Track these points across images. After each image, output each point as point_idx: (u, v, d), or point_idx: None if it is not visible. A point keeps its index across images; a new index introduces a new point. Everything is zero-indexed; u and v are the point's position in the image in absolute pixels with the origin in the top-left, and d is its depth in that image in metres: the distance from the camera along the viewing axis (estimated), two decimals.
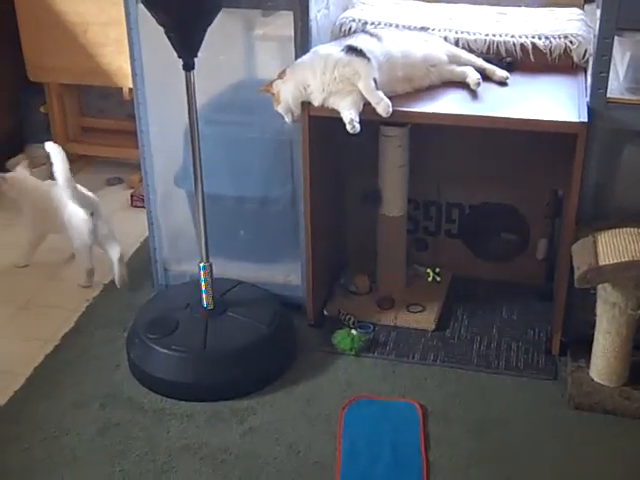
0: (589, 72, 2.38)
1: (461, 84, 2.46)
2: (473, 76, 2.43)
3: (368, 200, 2.70)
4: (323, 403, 2.32)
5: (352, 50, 2.29)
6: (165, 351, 2.35)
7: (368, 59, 2.27)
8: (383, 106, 2.24)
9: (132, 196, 3.50)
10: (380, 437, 2.21)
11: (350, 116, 2.23)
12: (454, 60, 2.50)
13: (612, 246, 2.20)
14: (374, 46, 2.34)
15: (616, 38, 2.19)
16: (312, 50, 2.37)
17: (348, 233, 2.93)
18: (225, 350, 2.37)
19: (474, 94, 2.42)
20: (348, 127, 2.24)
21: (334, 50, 2.31)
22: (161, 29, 2.19)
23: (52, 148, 2.78)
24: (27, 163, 3.13)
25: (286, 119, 2.37)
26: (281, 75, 2.35)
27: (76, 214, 2.85)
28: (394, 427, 2.24)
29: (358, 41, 2.35)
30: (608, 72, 2.20)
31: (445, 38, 2.60)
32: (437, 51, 2.48)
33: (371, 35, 2.42)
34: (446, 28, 2.64)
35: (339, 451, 2.15)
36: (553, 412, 2.29)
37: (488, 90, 2.44)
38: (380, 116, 2.27)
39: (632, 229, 2.25)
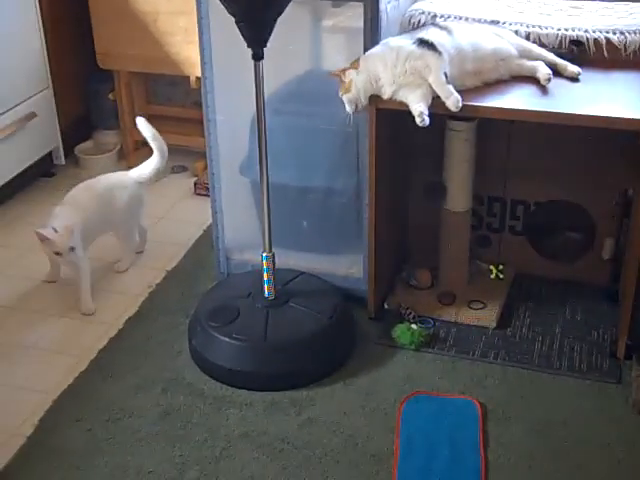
0: None
1: (531, 79, 2.42)
2: (544, 71, 2.39)
3: (432, 194, 2.68)
4: (381, 397, 2.32)
5: (424, 43, 2.27)
6: (226, 339, 2.38)
7: (439, 53, 2.26)
8: (453, 100, 2.22)
9: (195, 184, 3.53)
10: (438, 433, 2.20)
11: (420, 109, 2.22)
12: (524, 54, 2.46)
13: None
14: (445, 39, 2.32)
15: None
16: (382, 42, 2.36)
17: (411, 227, 2.92)
18: (285, 340, 2.38)
19: (544, 89, 2.38)
20: (417, 120, 2.22)
21: (405, 43, 2.29)
22: (231, 18, 2.20)
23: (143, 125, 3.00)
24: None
25: (347, 108, 2.35)
26: (354, 65, 2.33)
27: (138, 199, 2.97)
28: (453, 424, 2.23)
29: (429, 34, 2.33)
30: None
31: (516, 32, 2.56)
32: (507, 45, 2.44)
33: (441, 28, 2.40)
34: (517, 22, 2.61)
35: (396, 445, 2.14)
36: (616, 416, 2.24)
37: (559, 86, 2.39)
38: (449, 110, 2.25)
39: None
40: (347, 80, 2.32)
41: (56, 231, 2.65)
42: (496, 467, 2.09)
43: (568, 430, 2.21)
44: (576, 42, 2.50)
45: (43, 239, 2.64)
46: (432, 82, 2.24)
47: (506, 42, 2.45)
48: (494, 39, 2.44)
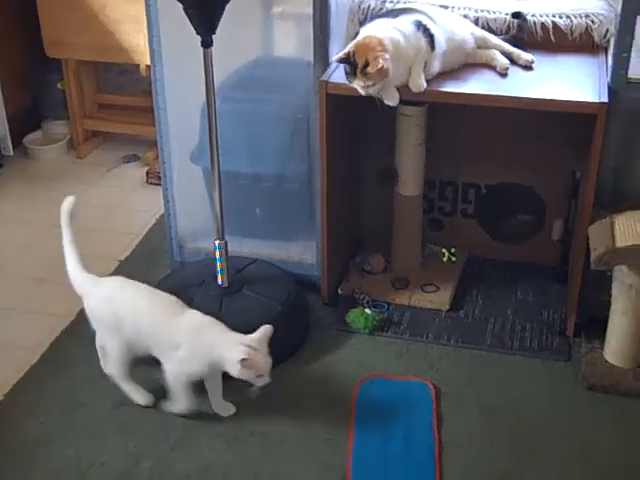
0: (610, 52, 2.36)
1: (485, 66, 2.45)
2: (502, 61, 2.42)
3: (384, 179, 2.69)
4: (336, 381, 2.33)
5: (425, 31, 2.31)
6: None
7: (433, 48, 2.31)
8: (419, 83, 2.26)
9: (148, 173, 3.51)
10: (393, 416, 2.21)
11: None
12: (481, 43, 2.48)
13: (630, 228, 2.19)
14: (439, 33, 2.34)
15: (638, 17, 2.16)
16: (370, 25, 2.32)
17: (364, 212, 2.93)
18: (239, 328, 2.35)
19: (497, 75, 2.40)
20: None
21: (403, 25, 2.29)
22: (180, 5, 2.18)
23: None
24: None
25: (361, 91, 2.25)
26: (384, 47, 2.20)
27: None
28: (407, 406, 2.25)
29: (428, 24, 2.34)
30: (630, 52, 2.19)
31: (465, 16, 2.58)
32: (468, 34, 2.46)
33: (428, 17, 2.38)
34: (466, 6, 2.62)
35: (352, 429, 2.15)
36: (566, 393, 2.29)
37: (510, 71, 2.41)
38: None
39: None
40: (385, 67, 2.18)
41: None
42: (450, 448, 2.12)
43: (520, 408, 2.24)
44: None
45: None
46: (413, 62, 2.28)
47: (466, 31, 2.47)
48: (460, 28, 2.46)
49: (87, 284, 2.28)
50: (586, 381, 2.30)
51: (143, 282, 2.72)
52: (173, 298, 2.24)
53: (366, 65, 2.19)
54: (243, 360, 2.04)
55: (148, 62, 2.66)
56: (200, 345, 2.13)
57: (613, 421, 2.20)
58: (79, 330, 2.56)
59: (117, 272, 2.86)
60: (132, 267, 2.89)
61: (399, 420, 2.20)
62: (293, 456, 2.10)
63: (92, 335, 2.52)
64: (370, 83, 2.22)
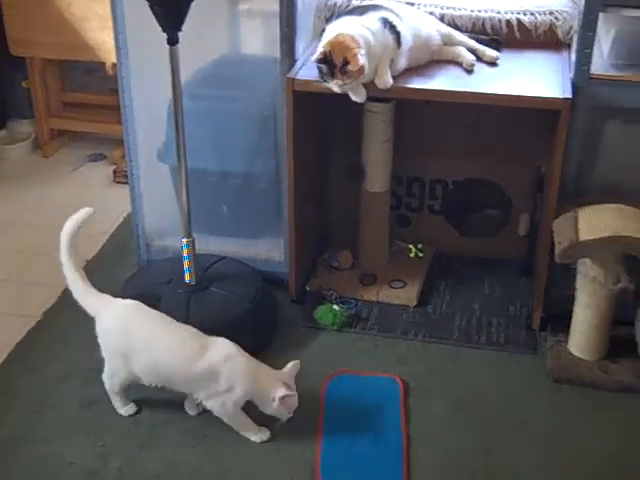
0: (573, 48, 2.39)
1: (451, 62, 2.47)
2: (468, 57, 2.44)
3: (352, 176, 2.70)
4: (304, 378, 2.31)
5: (392, 28, 2.32)
6: None
7: (399, 45, 2.32)
8: (385, 80, 2.27)
9: (115, 172, 3.49)
10: (361, 411, 2.22)
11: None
12: (447, 40, 2.50)
13: (593, 222, 2.22)
14: (405, 30, 2.35)
15: (601, 14, 2.19)
16: (336, 23, 2.32)
17: (331, 209, 2.94)
18: (207, 325, 2.34)
19: (462, 72, 2.42)
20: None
21: (371, 23, 2.30)
22: (145, 2, 2.17)
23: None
24: None
25: (336, 89, 2.25)
26: (358, 44, 2.20)
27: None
28: (375, 401, 2.26)
29: (395, 21, 2.34)
30: (592, 48, 2.21)
31: (431, 13, 2.59)
32: (434, 30, 2.48)
33: (394, 14, 2.39)
34: (432, 4, 2.64)
35: (320, 425, 2.16)
36: (533, 385, 2.32)
37: (475, 67, 2.43)
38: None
39: (613, 205, 2.27)
40: (362, 64, 2.19)
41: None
42: (418, 442, 2.13)
43: (488, 402, 2.26)
44: (495, 41, 2.55)
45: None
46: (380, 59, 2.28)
47: (432, 28, 2.49)
48: (426, 25, 2.48)
49: (100, 303, 2.21)
50: (552, 374, 2.33)
51: (110, 281, 2.74)
52: (194, 329, 2.17)
53: (345, 64, 2.19)
54: (283, 398, 2.04)
55: (114, 60, 2.65)
56: (238, 372, 2.08)
57: (579, 412, 2.23)
58: (47, 330, 2.55)
59: (84, 271, 2.83)
60: (99, 266, 2.87)
61: (367, 415, 2.21)
62: (261, 453, 2.10)
63: (60, 334, 2.52)
64: (349, 82, 2.22)
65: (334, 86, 2.24)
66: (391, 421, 2.19)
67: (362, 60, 2.18)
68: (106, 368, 2.19)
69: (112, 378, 2.19)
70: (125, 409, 2.21)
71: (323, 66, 2.23)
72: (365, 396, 2.27)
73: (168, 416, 2.20)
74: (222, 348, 2.11)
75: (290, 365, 2.12)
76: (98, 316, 2.20)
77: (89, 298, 2.22)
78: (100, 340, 2.19)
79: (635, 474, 2.05)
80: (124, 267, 2.82)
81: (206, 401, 2.10)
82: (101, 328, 2.19)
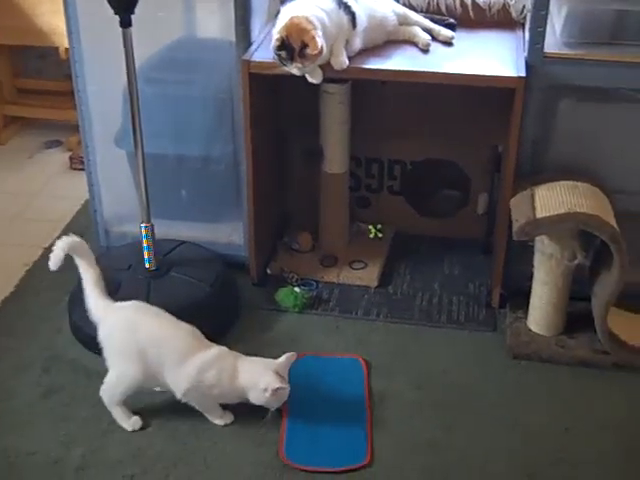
0: (527, 28, 2.40)
1: (407, 42, 2.47)
2: (424, 37, 2.45)
3: (310, 157, 2.70)
4: None
5: (347, 8, 2.32)
6: None
7: (354, 25, 2.33)
8: (341, 61, 2.27)
9: (71, 158, 3.45)
10: (325, 392, 2.24)
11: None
12: (403, 20, 2.50)
13: (549, 199, 2.25)
14: (359, 12, 2.36)
15: None
16: (303, 4, 2.29)
17: (291, 191, 2.93)
18: (168, 310, 2.33)
19: (417, 52, 2.43)
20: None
21: (326, 4, 2.30)
22: None
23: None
24: None
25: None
26: (314, 25, 2.20)
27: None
28: (339, 382, 2.27)
29: (349, 2, 2.35)
30: (545, 27, 2.23)
31: None
32: (389, 11, 2.48)
33: None
34: None
35: (284, 406, 2.16)
36: (492, 362, 2.35)
37: (430, 47, 2.44)
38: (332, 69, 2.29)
39: (568, 182, 2.30)
40: (320, 46, 2.18)
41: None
42: (382, 421, 2.14)
43: (449, 379, 2.29)
44: (450, 25, 2.55)
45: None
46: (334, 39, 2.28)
47: (388, 8, 2.49)
48: (381, 5, 2.48)
49: (103, 310, 2.16)
50: (511, 350, 2.36)
51: (68, 268, 2.70)
52: (195, 329, 2.15)
53: (303, 47, 2.19)
54: (276, 390, 2.03)
55: (67, 44, 2.61)
56: (226, 370, 2.08)
57: (538, 388, 2.26)
58: (4, 319, 2.51)
59: (41, 260, 2.81)
60: None
61: (331, 395, 2.22)
62: (225, 436, 2.10)
63: (18, 323, 2.49)
64: (308, 64, 2.22)
65: (294, 69, 2.24)
66: (355, 400, 2.20)
67: (320, 41, 2.18)
68: (109, 378, 2.12)
69: (116, 387, 2.11)
70: (131, 422, 2.12)
71: (282, 52, 2.22)
72: (328, 377, 2.29)
73: (130, 401, 2.18)
74: (219, 350, 2.12)
75: (284, 356, 2.11)
76: (102, 321, 2.14)
77: (97, 301, 2.17)
78: (105, 344, 2.13)
79: (590, 445, 2.09)
80: None
81: (182, 384, 2.08)
82: (106, 331, 2.13)
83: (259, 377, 2.06)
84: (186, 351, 2.09)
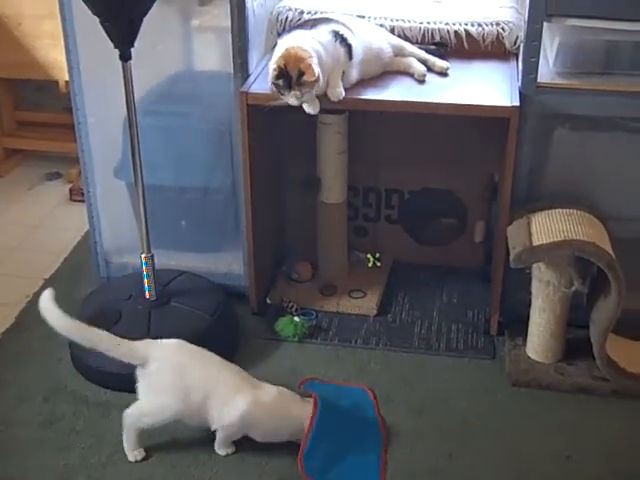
0: (520, 58, 2.44)
1: (403, 73, 2.51)
2: (419, 68, 2.48)
3: (308, 188, 2.73)
4: None
5: (343, 41, 2.36)
6: None
7: (350, 57, 2.36)
8: (337, 92, 2.31)
9: (71, 190, 3.47)
10: (342, 414, 2.21)
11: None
12: (398, 52, 2.54)
13: (545, 227, 2.27)
14: (355, 42, 2.39)
15: (545, 24, 2.24)
16: (288, 36, 2.36)
17: (289, 221, 2.95)
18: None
19: (413, 82, 2.46)
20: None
21: (322, 36, 2.34)
22: (96, 19, 2.18)
23: None
24: None
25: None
26: (309, 53, 2.23)
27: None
28: (353, 406, 2.27)
29: (346, 34, 2.38)
30: (538, 57, 2.26)
31: (381, 25, 2.64)
32: (385, 42, 2.52)
33: (345, 26, 2.43)
34: (382, 16, 2.68)
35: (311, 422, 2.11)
36: (492, 390, 2.35)
37: (426, 78, 2.48)
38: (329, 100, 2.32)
39: (563, 210, 2.32)
40: (317, 71, 2.22)
41: None
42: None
43: (449, 407, 2.29)
44: (440, 44, 2.59)
45: None
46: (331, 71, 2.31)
47: (384, 40, 2.53)
48: (377, 37, 2.52)
49: (145, 348, 2.13)
50: (510, 378, 2.37)
51: (69, 299, 2.71)
52: (241, 369, 2.19)
53: (300, 75, 2.22)
54: None
55: (67, 78, 2.64)
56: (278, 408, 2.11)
57: (537, 415, 2.26)
58: (5, 350, 2.52)
59: (42, 291, 2.80)
60: (58, 285, 2.80)
61: (348, 418, 2.21)
62: (227, 465, 2.10)
63: (18, 353, 2.50)
64: (306, 91, 2.24)
65: (291, 98, 2.26)
66: (370, 424, 2.20)
67: (317, 68, 2.21)
68: (142, 405, 2.10)
69: (148, 415, 2.10)
70: (135, 452, 2.13)
71: (280, 81, 2.24)
72: (342, 401, 2.26)
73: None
74: (270, 390, 2.13)
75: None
76: (148, 360, 2.11)
77: (135, 349, 2.13)
78: (147, 380, 2.10)
79: (591, 472, 2.09)
80: (83, 285, 2.81)
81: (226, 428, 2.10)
82: (152, 368, 2.10)
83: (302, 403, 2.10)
84: (235, 388, 2.09)
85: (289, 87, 2.24)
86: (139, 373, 2.11)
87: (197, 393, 2.08)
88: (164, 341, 2.18)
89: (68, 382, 2.38)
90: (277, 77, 2.24)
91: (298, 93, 2.24)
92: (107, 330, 2.34)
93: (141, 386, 2.11)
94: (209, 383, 2.10)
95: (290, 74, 2.22)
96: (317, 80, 2.22)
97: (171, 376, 2.10)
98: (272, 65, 2.26)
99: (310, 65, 2.21)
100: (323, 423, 2.12)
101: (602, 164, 2.37)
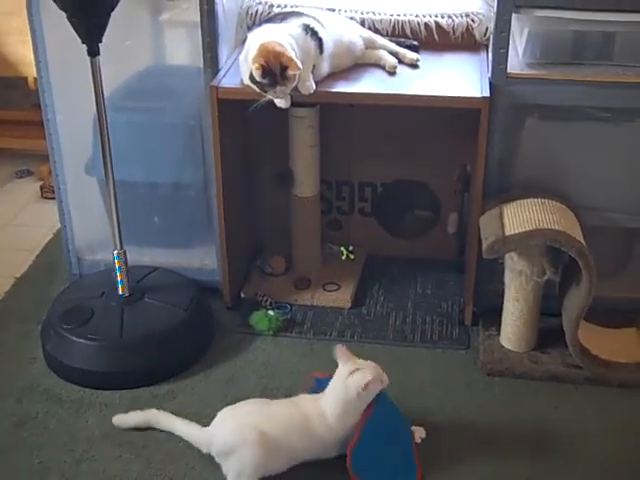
0: (490, 49, 2.45)
1: (374, 65, 2.51)
2: (390, 60, 2.48)
3: (281, 181, 2.72)
4: (242, 384, 2.34)
5: (314, 34, 2.35)
6: (81, 340, 2.34)
7: (321, 51, 2.36)
8: (308, 86, 2.30)
9: (42, 188, 3.45)
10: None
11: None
12: (369, 44, 2.54)
13: (517, 217, 2.28)
14: (325, 35, 2.39)
15: (514, 15, 2.25)
16: (259, 30, 2.35)
17: (262, 215, 2.94)
18: (142, 336, 2.36)
19: (384, 74, 2.46)
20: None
21: (293, 30, 2.33)
22: (64, 14, 2.16)
23: None
24: None
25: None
26: (284, 46, 2.22)
27: None
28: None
29: (316, 28, 2.38)
30: (507, 48, 2.27)
31: (351, 18, 2.64)
32: (356, 35, 2.52)
33: (315, 19, 2.42)
34: (352, 9, 2.68)
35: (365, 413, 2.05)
36: (467, 379, 2.36)
37: (397, 70, 2.48)
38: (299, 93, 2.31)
39: (535, 199, 2.34)
40: (299, 63, 2.21)
41: None
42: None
43: (423, 397, 2.30)
44: (412, 47, 2.59)
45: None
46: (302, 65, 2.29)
47: (355, 33, 2.53)
48: (347, 30, 2.51)
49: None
50: (485, 367, 2.38)
51: (41, 298, 2.69)
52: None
53: (283, 69, 2.21)
54: (365, 387, 1.99)
55: (35, 74, 2.62)
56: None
57: (512, 404, 2.28)
58: None
59: (13, 290, 2.80)
60: (30, 284, 2.83)
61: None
62: (201, 461, 2.08)
63: None
64: (291, 85, 2.24)
65: (277, 94, 2.25)
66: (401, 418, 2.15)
67: (298, 60, 2.21)
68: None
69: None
70: None
71: (265, 80, 2.23)
72: None
73: (105, 429, 2.18)
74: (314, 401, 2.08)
75: (338, 354, 2.06)
76: (213, 438, 2.04)
77: (197, 432, 2.09)
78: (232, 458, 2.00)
79: (565, 459, 2.10)
80: (55, 283, 2.79)
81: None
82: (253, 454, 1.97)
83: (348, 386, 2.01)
84: (306, 420, 2.03)
85: (275, 84, 2.23)
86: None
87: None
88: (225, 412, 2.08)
89: (42, 381, 2.36)
90: (262, 76, 2.22)
91: (283, 87, 2.24)
92: (79, 328, 2.36)
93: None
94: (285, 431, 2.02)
95: (273, 71, 2.21)
96: (300, 70, 2.22)
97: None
98: (252, 65, 2.22)
99: (291, 58, 2.20)
100: (376, 421, 2.04)
101: (572, 153, 2.39)
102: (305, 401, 2.08)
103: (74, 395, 2.31)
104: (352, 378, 2.00)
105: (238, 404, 2.10)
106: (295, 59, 2.20)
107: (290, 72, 2.21)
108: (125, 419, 2.17)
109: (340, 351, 2.07)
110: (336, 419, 2.02)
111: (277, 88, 2.24)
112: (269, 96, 2.27)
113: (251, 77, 2.26)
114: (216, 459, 2.03)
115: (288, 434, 2.00)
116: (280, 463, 2.00)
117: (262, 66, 2.21)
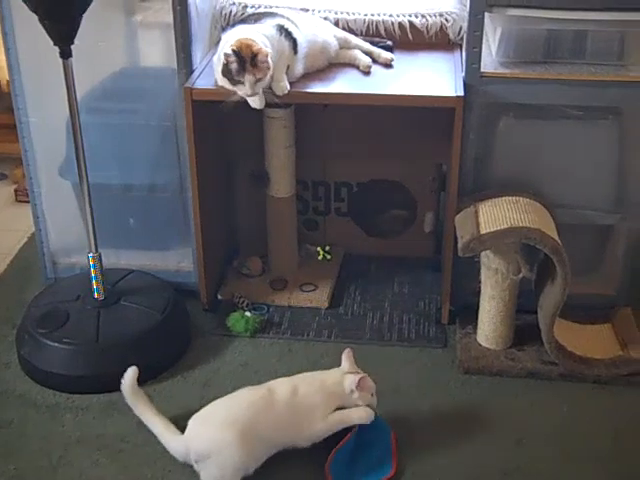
0: (464, 48, 2.46)
1: (348, 65, 2.51)
2: (364, 60, 2.49)
3: (256, 182, 2.72)
4: (219, 386, 2.32)
5: (287, 35, 2.36)
6: (56, 345, 2.32)
7: (295, 52, 2.36)
8: (282, 86, 2.30)
9: (16, 191, 3.42)
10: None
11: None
12: (343, 44, 2.55)
13: (492, 215, 2.29)
14: (299, 36, 2.39)
15: (487, 14, 2.26)
16: (234, 30, 2.34)
17: (238, 216, 2.94)
18: (118, 339, 2.35)
19: (358, 74, 2.47)
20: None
21: (267, 30, 2.33)
22: (35, 16, 2.14)
23: None
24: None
25: (248, 90, 2.26)
26: (257, 42, 2.24)
27: None
28: None
29: (290, 28, 2.38)
30: (481, 47, 2.28)
31: (325, 18, 2.64)
32: (330, 36, 2.52)
33: (289, 20, 2.43)
34: (326, 9, 2.68)
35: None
36: (444, 378, 2.37)
37: (371, 69, 2.49)
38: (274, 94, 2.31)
39: (510, 198, 2.35)
40: (269, 51, 2.23)
41: None
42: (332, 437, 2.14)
43: (401, 396, 2.30)
44: (387, 47, 2.60)
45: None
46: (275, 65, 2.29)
47: (329, 33, 2.53)
48: (322, 31, 2.52)
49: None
50: (462, 366, 2.39)
51: (16, 302, 2.67)
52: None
53: (254, 56, 2.21)
54: (357, 384, 2.05)
55: (7, 77, 2.60)
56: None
57: (489, 401, 2.29)
58: None
59: None
60: (4, 288, 2.81)
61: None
62: (179, 464, 2.07)
63: None
64: (260, 75, 2.23)
65: (247, 83, 2.24)
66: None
67: (267, 50, 2.21)
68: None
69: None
70: None
71: (234, 64, 2.22)
72: None
73: (81, 434, 2.17)
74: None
75: (343, 356, 2.13)
76: (189, 448, 2.01)
77: (173, 442, 2.06)
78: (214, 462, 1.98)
79: (541, 455, 2.12)
80: (30, 287, 2.77)
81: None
82: (199, 454, 1.99)
83: (340, 385, 2.08)
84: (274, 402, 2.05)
85: (243, 70, 2.22)
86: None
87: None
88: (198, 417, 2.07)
89: (17, 386, 2.34)
90: (231, 57, 2.21)
91: (252, 76, 2.22)
92: (55, 332, 2.34)
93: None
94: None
95: (244, 57, 2.21)
96: (269, 64, 2.22)
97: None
98: (225, 51, 2.23)
99: (261, 48, 2.21)
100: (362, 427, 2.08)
101: (546, 152, 2.40)
102: (280, 385, 2.09)
103: (50, 400, 2.29)
104: (350, 375, 2.08)
105: (204, 409, 2.08)
106: (266, 48, 2.21)
107: (260, 58, 2.20)
108: (129, 391, 2.14)
109: (347, 354, 2.14)
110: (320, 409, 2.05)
111: (246, 76, 2.23)
112: (240, 92, 2.26)
113: (223, 69, 2.26)
114: (195, 467, 2.01)
115: (258, 419, 2.00)
116: (260, 453, 1.99)
117: (233, 50, 2.21)
